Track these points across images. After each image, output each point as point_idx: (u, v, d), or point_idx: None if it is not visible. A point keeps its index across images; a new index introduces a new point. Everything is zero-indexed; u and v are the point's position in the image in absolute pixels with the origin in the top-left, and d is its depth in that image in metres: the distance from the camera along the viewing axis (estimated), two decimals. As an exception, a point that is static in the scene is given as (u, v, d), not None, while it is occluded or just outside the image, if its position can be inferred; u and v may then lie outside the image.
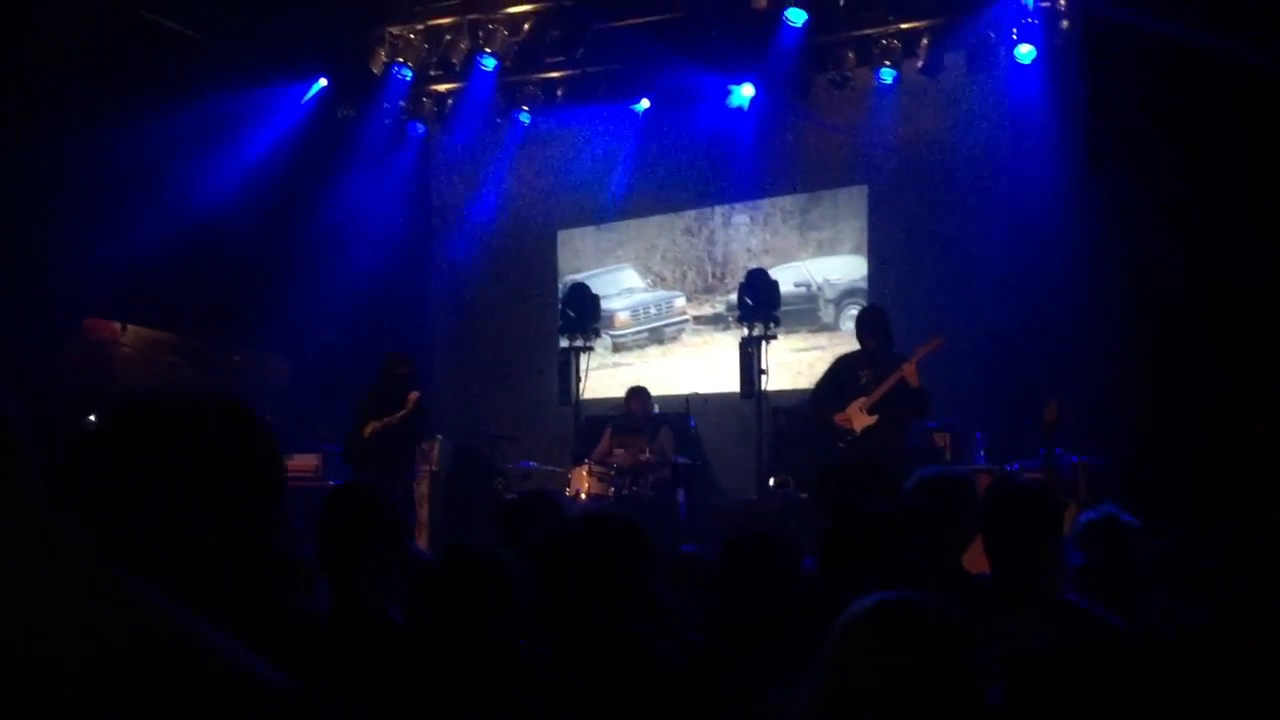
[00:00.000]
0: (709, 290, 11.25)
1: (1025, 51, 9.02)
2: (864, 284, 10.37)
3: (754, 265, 10.74)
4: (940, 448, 8.15)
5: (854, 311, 10.07)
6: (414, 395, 8.18)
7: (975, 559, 3.32)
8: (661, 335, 11.39)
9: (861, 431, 7.64)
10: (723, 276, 11.11)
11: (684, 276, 11.40)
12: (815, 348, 10.43)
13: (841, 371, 7.95)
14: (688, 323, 11.34)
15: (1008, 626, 2.69)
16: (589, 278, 10.90)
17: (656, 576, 2.47)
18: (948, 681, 1.60)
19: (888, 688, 1.60)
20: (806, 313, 10.62)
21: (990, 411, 8.64)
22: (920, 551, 2.61)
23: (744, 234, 11.05)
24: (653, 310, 11.47)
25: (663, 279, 11.53)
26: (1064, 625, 2.85)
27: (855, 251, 10.50)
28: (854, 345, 8.79)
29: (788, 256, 10.78)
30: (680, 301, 11.38)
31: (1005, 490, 3.31)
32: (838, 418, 7.71)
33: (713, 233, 11.21)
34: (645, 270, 11.60)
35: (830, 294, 10.59)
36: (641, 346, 11.40)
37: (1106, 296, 8.34)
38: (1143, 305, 8.08)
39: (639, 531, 2.42)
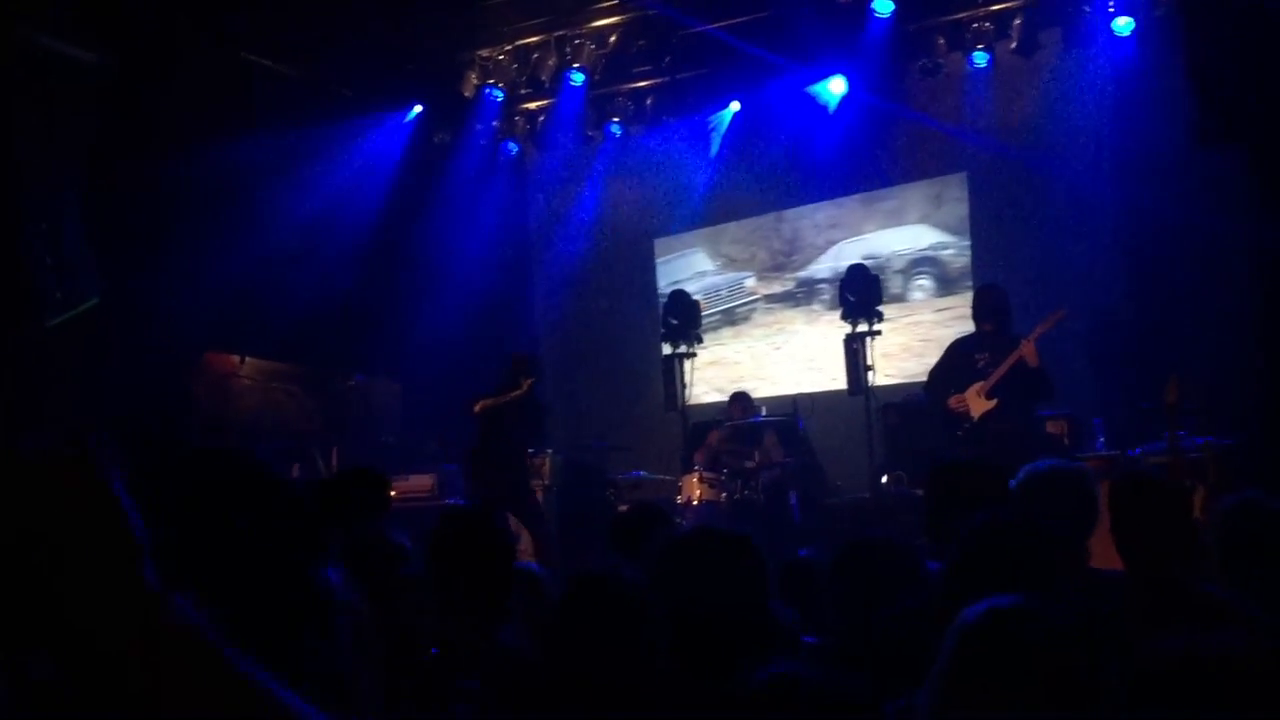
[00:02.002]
0: (778, 268, 11.31)
1: (1123, 24, 8.77)
2: (930, 253, 10.31)
3: (821, 240, 10.92)
4: (1057, 435, 7.88)
5: (923, 281, 10.32)
6: (528, 380, 8.13)
7: (1110, 556, 3.22)
8: (733, 316, 11.44)
9: (980, 417, 7.15)
10: (790, 253, 11.19)
11: (753, 256, 11.47)
12: (885, 319, 10.07)
13: (956, 356, 7.43)
14: (759, 302, 11.43)
15: (1142, 624, 2.61)
16: (660, 264, 10.95)
17: (768, 589, 2.45)
18: (1065, 687, 1.57)
19: (1003, 696, 1.57)
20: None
21: (1107, 396, 8.39)
22: (1034, 551, 2.55)
23: (810, 209, 11.07)
24: (724, 292, 11.48)
25: (732, 260, 11.61)
26: (1204, 619, 2.74)
27: (921, 221, 10.45)
28: (922, 314, 8.66)
29: (853, 230, 10.81)
30: (750, 281, 11.42)
31: (1127, 482, 3.18)
32: (953, 401, 7.22)
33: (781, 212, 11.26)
34: (715, 253, 11.69)
35: (898, 265, 10.49)
36: (715, 329, 11.37)
37: (1220, 270, 8.06)
38: (1257, 277, 7.79)
39: (751, 548, 2.41)
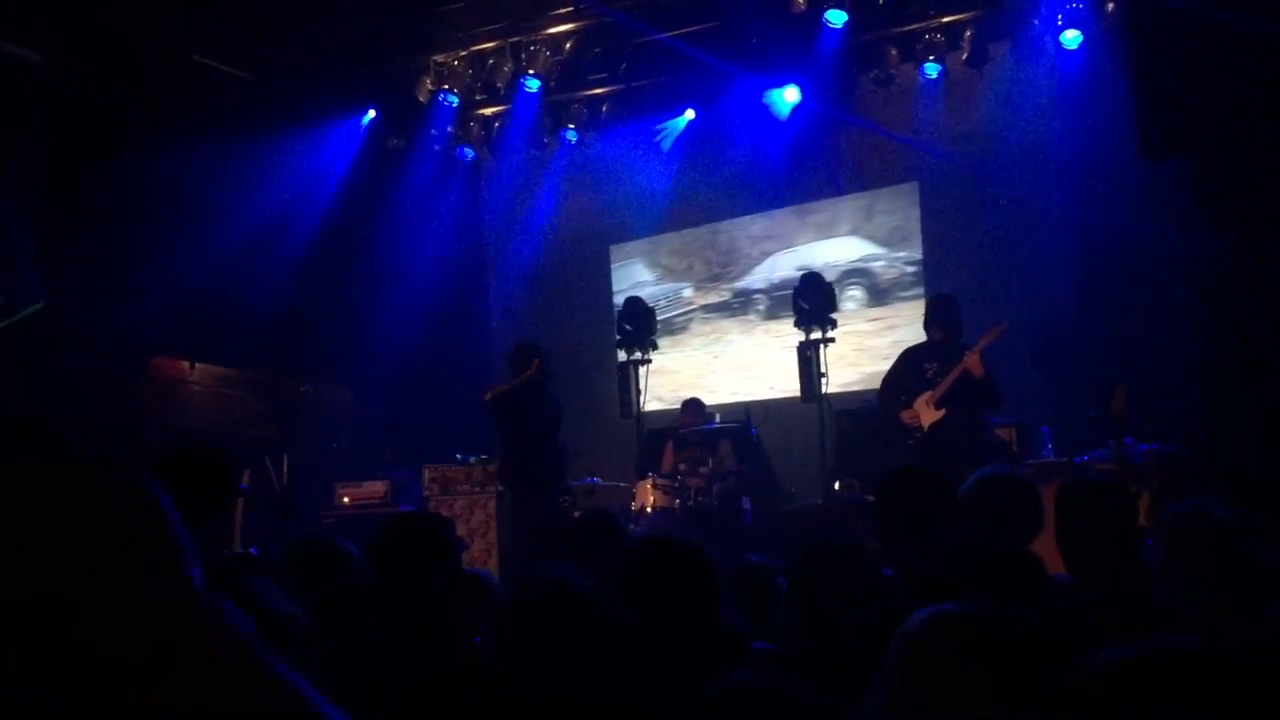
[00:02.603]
0: (715, 279, 11.52)
1: (1071, 37, 8.91)
2: (861, 264, 10.58)
3: (755, 251, 11.25)
4: (1006, 443, 7.99)
5: (854, 292, 10.59)
6: (537, 361, 8.00)
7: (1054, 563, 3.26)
8: (672, 325, 11.58)
9: (930, 427, 7.34)
10: (726, 264, 11.44)
11: (690, 267, 11.67)
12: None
13: (907, 365, 7.63)
14: (696, 312, 11.65)
15: (1088, 629, 2.64)
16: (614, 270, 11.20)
17: (719, 596, 2.46)
18: (1011, 691, 1.59)
19: (947, 701, 1.59)
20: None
21: (1055, 404, 8.51)
22: (983, 556, 2.58)
23: (746, 222, 11.28)
24: (663, 302, 11.58)
25: (670, 270, 11.80)
26: (1147, 623, 2.77)
27: (852, 233, 10.70)
28: (854, 324, 8.87)
29: (787, 242, 11.04)
30: (688, 291, 11.60)
31: (1074, 488, 3.22)
32: (905, 415, 7.43)
33: (716, 223, 11.48)
34: (654, 263, 11.86)
35: (831, 276, 10.53)
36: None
37: (1165, 280, 8.19)
38: (1202, 287, 7.93)
39: (702, 555, 2.42)
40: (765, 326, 11.17)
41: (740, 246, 11.39)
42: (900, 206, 10.54)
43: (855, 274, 10.62)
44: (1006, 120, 9.69)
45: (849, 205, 10.77)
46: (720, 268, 11.52)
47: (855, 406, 9.30)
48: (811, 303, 8.97)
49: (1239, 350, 7.57)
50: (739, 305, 11.39)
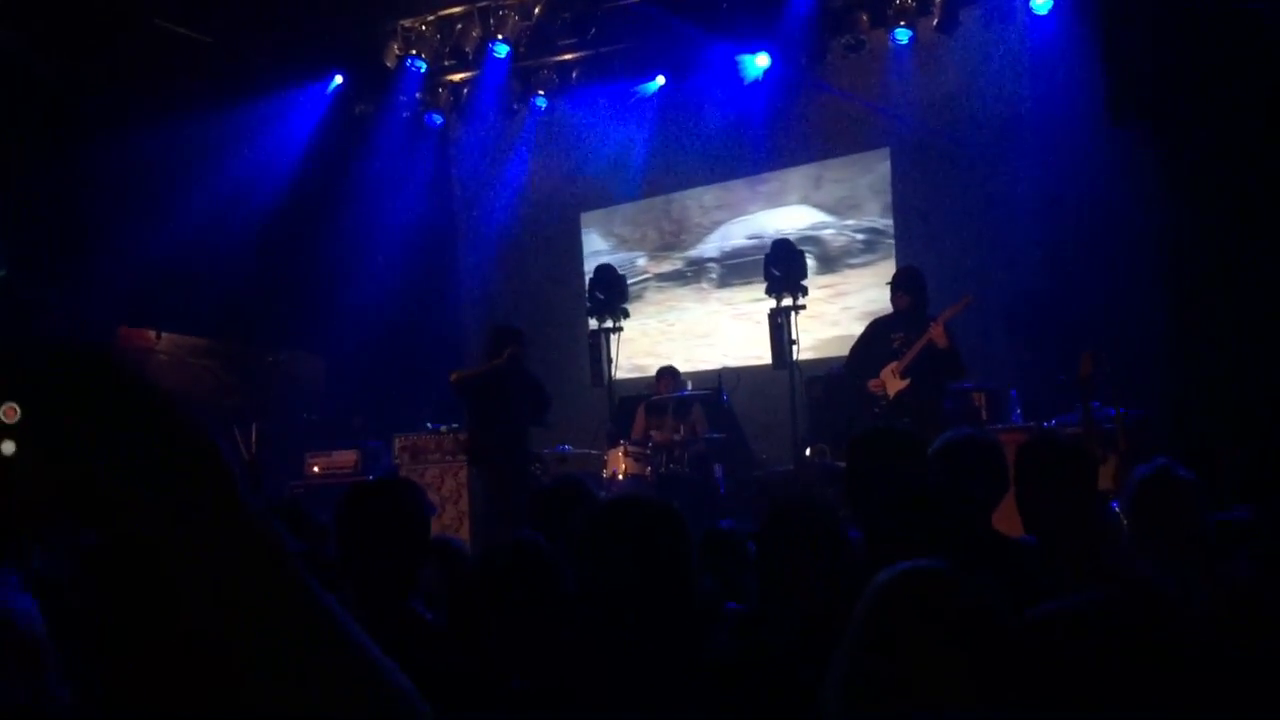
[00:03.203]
0: (667, 248, 11.64)
1: (1041, 2, 8.91)
2: (811, 232, 10.74)
3: (706, 220, 11.37)
4: (976, 408, 8.07)
5: (806, 260, 10.55)
6: (508, 350, 7.78)
7: (1014, 522, 3.29)
8: (626, 295, 11.63)
9: (895, 396, 7.49)
10: (678, 233, 11.57)
11: (643, 236, 11.76)
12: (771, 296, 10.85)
13: (874, 335, 7.77)
14: (650, 280, 11.75)
15: (1048, 589, 2.67)
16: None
17: (692, 556, 2.46)
18: (976, 649, 1.60)
19: (915, 658, 1.60)
20: (759, 263, 10.78)
21: (1024, 369, 8.58)
22: (948, 517, 2.59)
23: (699, 192, 11.39)
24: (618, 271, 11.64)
25: (624, 240, 11.87)
26: (1107, 586, 2.80)
27: (801, 201, 10.86)
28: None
29: (739, 211, 11.18)
30: (642, 260, 11.65)
31: (1034, 447, 3.24)
32: (871, 384, 7.57)
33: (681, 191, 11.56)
34: (608, 233, 11.92)
35: None
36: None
37: (1134, 248, 8.24)
38: (1170, 254, 7.98)
39: (674, 515, 2.42)
40: (719, 294, 11.36)
41: (692, 215, 11.52)
42: (849, 175, 10.65)
43: (805, 242, 10.69)
44: (977, 86, 9.69)
45: (796, 175, 10.90)
46: (673, 236, 11.65)
47: (825, 373, 9.33)
48: (783, 269, 8.97)
49: (1205, 316, 7.64)
50: (692, 274, 11.51)
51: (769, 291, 9.03)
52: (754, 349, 10.13)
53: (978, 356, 7.55)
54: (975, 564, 1.93)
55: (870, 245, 10.53)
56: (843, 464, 7.64)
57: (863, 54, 9.80)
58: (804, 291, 8.89)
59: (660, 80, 10.77)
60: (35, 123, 8.10)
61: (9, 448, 0.72)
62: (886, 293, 7.85)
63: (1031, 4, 8.94)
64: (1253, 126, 7.42)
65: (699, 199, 11.43)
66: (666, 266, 11.63)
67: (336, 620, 0.80)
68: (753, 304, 10.29)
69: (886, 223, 10.47)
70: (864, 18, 9.56)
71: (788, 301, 8.90)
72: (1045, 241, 9.06)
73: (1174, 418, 7.37)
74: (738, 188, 11.19)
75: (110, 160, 8.41)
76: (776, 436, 9.50)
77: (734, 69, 10.27)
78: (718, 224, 11.37)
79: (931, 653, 1.58)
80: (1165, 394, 7.65)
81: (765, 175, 10.96)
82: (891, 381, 7.53)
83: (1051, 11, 8.93)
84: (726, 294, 11.26)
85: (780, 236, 9.53)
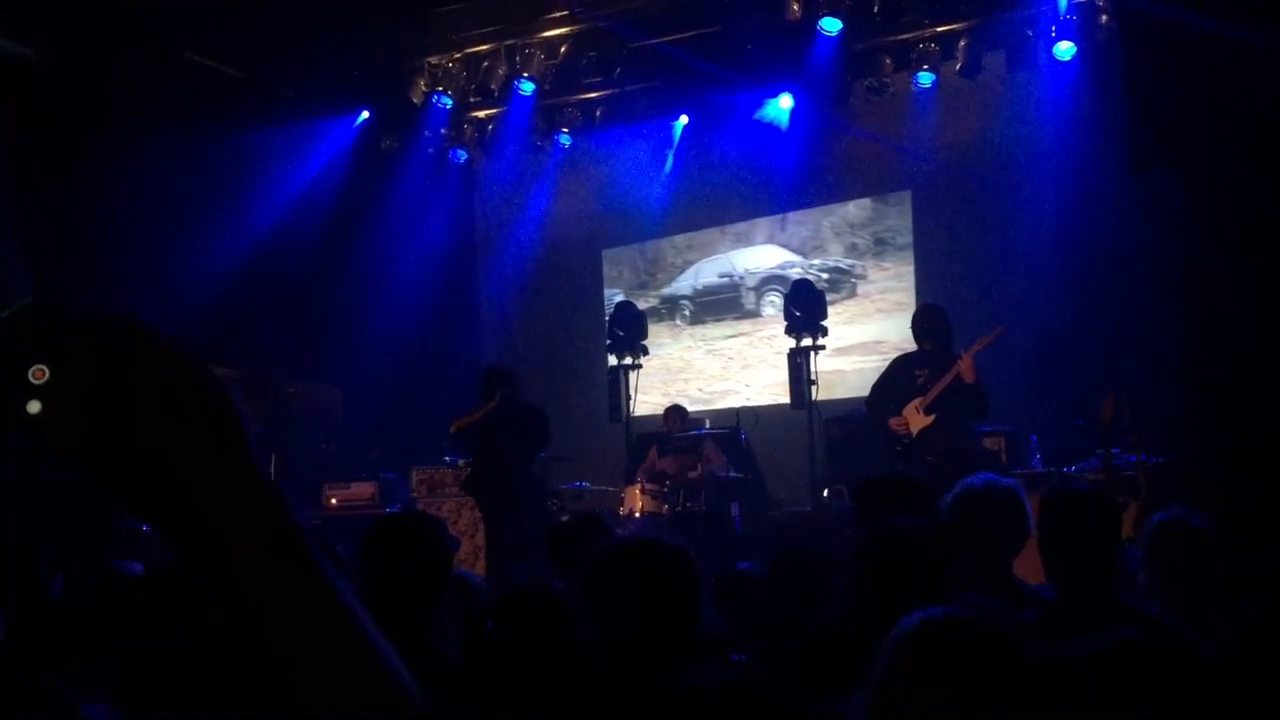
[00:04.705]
0: (642, 286, 11.86)
1: (1064, 49, 8.92)
2: (779, 271, 11.03)
3: (678, 260, 11.65)
4: (995, 452, 7.99)
5: (773, 298, 11.03)
6: (499, 393, 7.88)
7: (1034, 570, 3.26)
8: None
9: (919, 434, 7.25)
10: (654, 272, 11.85)
11: (620, 274, 11.99)
12: (740, 334, 11.34)
13: (898, 371, 7.56)
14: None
15: (1066, 635, 2.65)
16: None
17: (702, 601, 2.45)
18: (997, 694, 1.59)
19: (938, 705, 1.60)
20: (730, 301, 11.42)
21: (1044, 414, 8.52)
22: (968, 563, 2.58)
23: (721, 230, 11.58)
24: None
25: (603, 279, 12.12)
26: (1136, 627, 2.78)
27: (768, 241, 11.20)
28: (774, 329, 9.54)
29: (709, 250, 11.49)
30: (619, 298, 11.64)
31: (1060, 497, 3.22)
32: (893, 422, 7.34)
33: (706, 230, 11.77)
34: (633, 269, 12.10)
35: (751, 282, 11.23)
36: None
37: (1154, 291, 8.21)
38: (1192, 299, 7.94)
39: (687, 559, 2.41)
40: (691, 330, 11.62)
41: (664, 256, 11.81)
42: (797, 220, 10.95)
43: (774, 280, 11.04)
44: (999, 130, 9.72)
45: (762, 216, 11.18)
46: (649, 275, 11.89)
47: (844, 414, 9.31)
48: (803, 309, 9.00)
49: (1228, 362, 7.58)
50: (665, 311, 11.69)
51: (789, 331, 9.06)
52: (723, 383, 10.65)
53: (997, 400, 7.46)
54: (987, 610, 1.92)
55: (833, 284, 10.62)
56: (860, 505, 7.62)
57: (885, 97, 9.85)
58: (824, 332, 8.91)
59: (684, 120, 10.84)
60: (67, 148, 8.20)
61: (36, 407, 0.74)
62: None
63: (1054, 50, 8.96)
64: (1276, 171, 7.41)
65: (723, 237, 11.49)
66: (641, 304, 11.36)
67: (342, 595, 0.81)
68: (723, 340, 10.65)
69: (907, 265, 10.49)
70: (887, 61, 9.60)
71: (807, 342, 8.93)
72: (1065, 285, 9.04)
73: (1196, 463, 7.30)
74: (765, 229, 11.28)
75: (134, 189, 8.50)
76: (795, 477, 9.47)
77: (758, 111, 10.33)
78: (689, 263, 11.68)
79: (957, 699, 1.57)
80: (1187, 439, 7.59)
81: (801, 213, 11.07)
82: (915, 418, 7.30)
83: (1074, 58, 8.95)
84: (700, 330, 11.60)
85: (801, 278, 9.57)
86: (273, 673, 0.78)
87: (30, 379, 0.74)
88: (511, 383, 8.07)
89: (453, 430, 8.16)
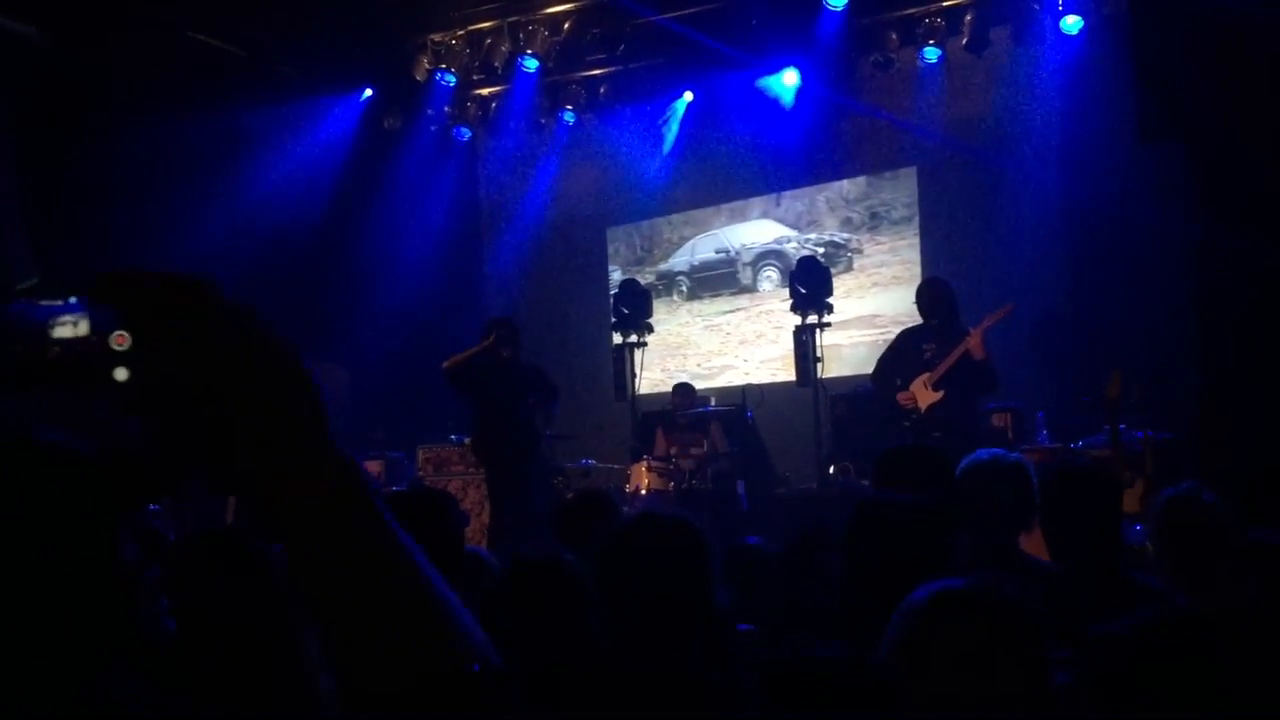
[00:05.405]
0: (639, 262, 11.84)
1: (1071, 22, 8.88)
2: (775, 246, 11.04)
3: (674, 237, 11.60)
4: (1002, 429, 7.98)
5: (770, 272, 11.08)
6: (494, 334, 7.78)
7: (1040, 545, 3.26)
8: None
9: (927, 409, 7.15)
10: (650, 249, 11.83)
11: (617, 251, 11.95)
12: (737, 309, 11.33)
13: (905, 346, 7.43)
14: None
15: (1072, 609, 2.65)
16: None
17: (712, 576, 2.45)
18: (1011, 666, 1.59)
19: (952, 675, 1.59)
20: (726, 276, 11.40)
21: (1051, 390, 8.51)
22: (975, 538, 2.57)
23: (724, 208, 11.53)
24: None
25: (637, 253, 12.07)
26: (1131, 605, 2.78)
27: (763, 216, 11.17)
28: (770, 304, 9.63)
29: (704, 225, 11.47)
30: (616, 275, 11.72)
31: (1060, 471, 3.22)
32: (901, 396, 7.21)
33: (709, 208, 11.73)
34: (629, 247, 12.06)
35: (747, 257, 11.24)
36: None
37: (1161, 266, 8.18)
38: (1200, 273, 7.90)
39: (696, 535, 2.40)
40: (688, 306, 11.63)
41: (661, 232, 11.75)
42: (792, 195, 10.91)
43: (770, 255, 11.06)
44: (1005, 105, 9.66)
45: (757, 193, 11.12)
46: (644, 251, 11.85)
47: (849, 391, 9.30)
48: (809, 287, 8.98)
49: (1235, 336, 7.55)
50: (663, 287, 11.65)
51: (794, 309, 9.04)
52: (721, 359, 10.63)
53: (1004, 376, 7.43)
54: (998, 583, 1.92)
55: (828, 258, 10.54)
56: (867, 483, 7.62)
57: (891, 72, 9.79)
58: (829, 309, 8.89)
59: (689, 96, 10.79)
60: (69, 129, 8.19)
61: (122, 374, 0.75)
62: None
63: (1061, 24, 8.91)
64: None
65: (718, 213, 11.48)
66: (639, 281, 11.39)
67: (415, 557, 0.83)
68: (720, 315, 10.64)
69: (913, 241, 10.46)
70: (893, 36, 9.55)
71: (812, 319, 8.91)
72: (1073, 260, 9.02)
73: (1203, 440, 7.28)
74: (760, 204, 11.24)
75: (137, 168, 8.49)
76: (801, 454, 9.47)
77: (763, 87, 10.27)
78: (685, 239, 11.66)
79: (970, 670, 1.57)
80: (1194, 415, 7.57)
81: (805, 189, 11.00)
82: (923, 394, 7.19)
83: (1081, 31, 8.90)
84: (696, 306, 11.61)
85: (807, 254, 9.55)
86: (344, 628, 0.79)
87: (113, 345, 0.75)
88: (507, 330, 7.95)
89: (445, 365, 7.96)
